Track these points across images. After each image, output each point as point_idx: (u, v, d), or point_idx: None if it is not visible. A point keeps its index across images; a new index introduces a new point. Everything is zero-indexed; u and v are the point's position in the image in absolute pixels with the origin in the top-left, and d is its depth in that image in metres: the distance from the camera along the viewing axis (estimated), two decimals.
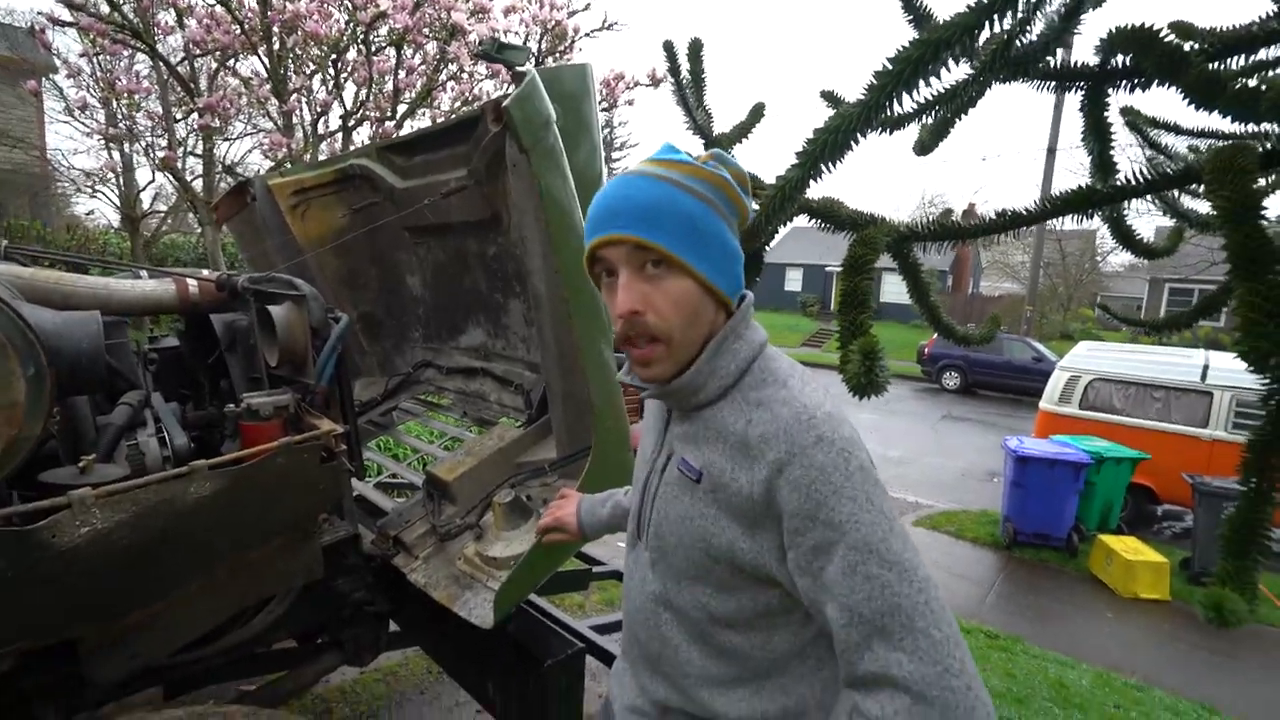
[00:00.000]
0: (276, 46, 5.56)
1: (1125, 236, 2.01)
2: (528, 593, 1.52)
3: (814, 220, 1.71)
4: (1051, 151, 13.32)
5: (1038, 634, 4.07)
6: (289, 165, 5.70)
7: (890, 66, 1.20)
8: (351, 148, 6.28)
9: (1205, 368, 6.08)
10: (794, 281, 29.93)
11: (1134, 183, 1.47)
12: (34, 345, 1.03)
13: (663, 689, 0.93)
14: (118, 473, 1.25)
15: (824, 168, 1.30)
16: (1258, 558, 1.09)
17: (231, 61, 6.44)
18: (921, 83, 1.22)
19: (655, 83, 6.22)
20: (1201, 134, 2.01)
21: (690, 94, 1.96)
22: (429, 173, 2.37)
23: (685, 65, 1.93)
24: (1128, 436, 5.93)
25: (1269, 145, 1.27)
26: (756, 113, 2.03)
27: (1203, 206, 2.06)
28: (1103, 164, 1.73)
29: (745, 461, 0.79)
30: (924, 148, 1.93)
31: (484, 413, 2.53)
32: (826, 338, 23.04)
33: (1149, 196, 1.67)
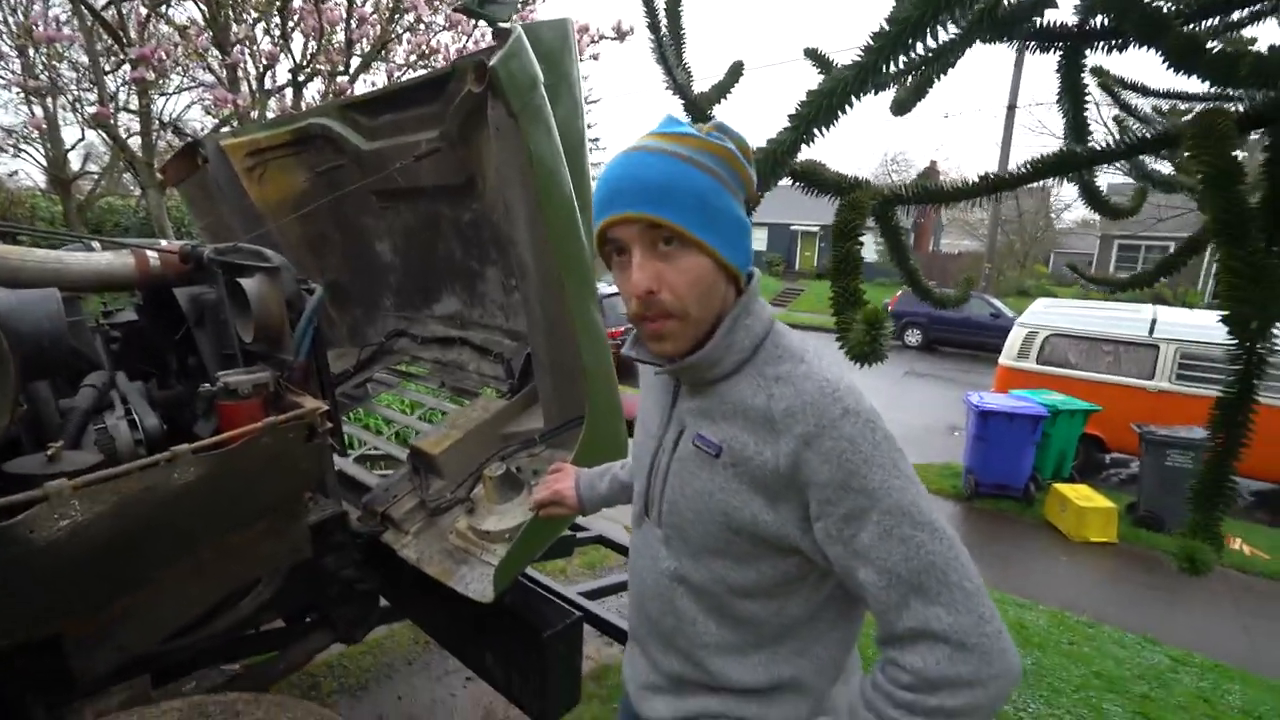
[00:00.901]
0: None
1: (1094, 197, 2.07)
2: (525, 566, 1.53)
3: (796, 183, 1.70)
4: (1012, 109, 13.47)
5: (999, 579, 4.31)
6: (235, 123, 5.36)
7: (888, 28, 1.18)
8: (303, 104, 5.95)
9: (1153, 322, 6.35)
10: (759, 241, 29.96)
11: (1113, 147, 1.50)
12: None
13: (677, 663, 0.95)
14: (89, 460, 1.19)
15: (816, 131, 1.29)
16: (1223, 509, 1.16)
17: (164, 8, 5.96)
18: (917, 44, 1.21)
19: (621, 36, 6.01)
20: (1168, 95, 2.07)
21: (670, 51, 1.91)
22: (397, 133, 2.26)
23: (664, 20, 1.87)
24: (1081, 389, 6.20)
25: (1244, 108, 1.30)
26: (735, 72, 1.98)
27: (1165, 167, 2.13)
28: (1077, 126, 1.75)
29: (769, 435, 0.80)
30: (902, 107, 1.92)
31: (463, 382, 2.48)
32: (792, 297, 23.27)
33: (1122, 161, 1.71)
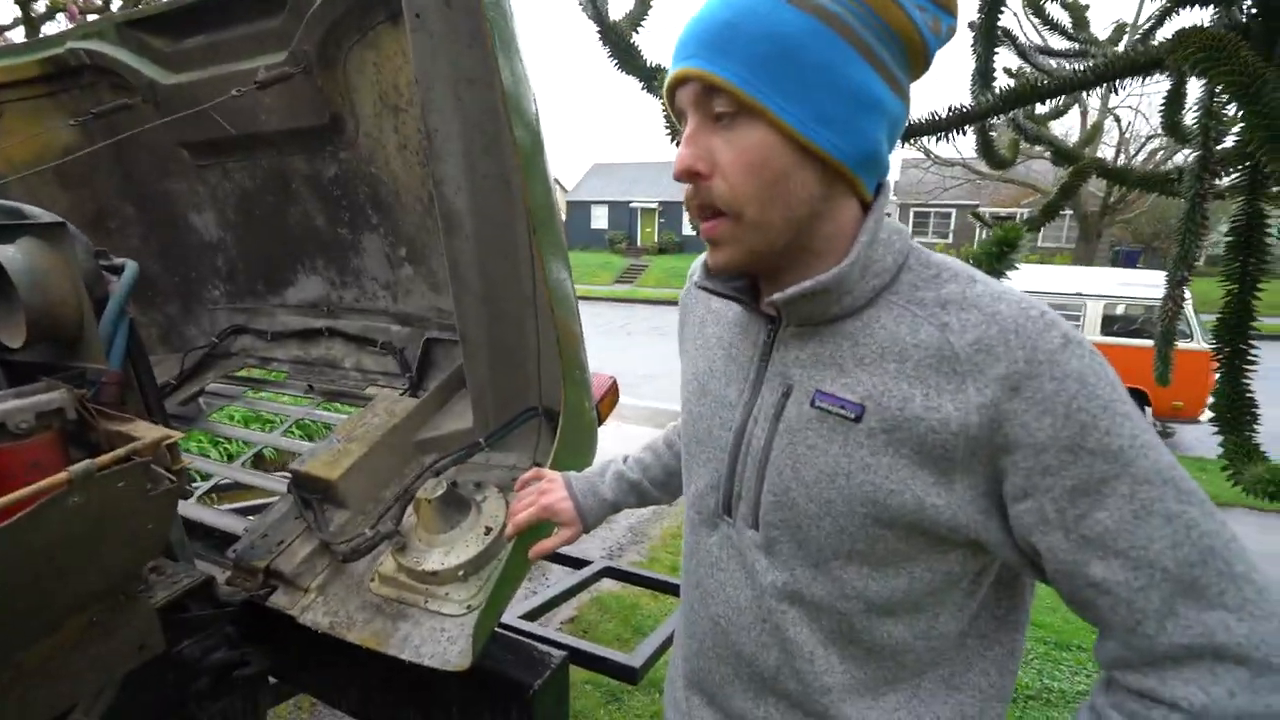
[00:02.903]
0: None
1: (987, 145, 2.18)
2: (504, 610, 1.17)
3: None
4: None
5: None
6: None
7: None
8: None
9: None
10: (600, 219, 29.95)
11: (1081, 75, 1.48)
12: None
13: (779, 715, 0.70)
14: None
15: None
16: (1254, 428, 1.15)
17: None
18: None
19: None
20: (1043, 51, 2.24)
21: None
22: (216, 60, 1.70)
23: None
24: None
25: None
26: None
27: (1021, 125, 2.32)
28: (984, 72, 1.77)
29: (947, 381, 0.57)
30: None
31: (339, 383, 1.98)
32: (639, 273, 23.60)
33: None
